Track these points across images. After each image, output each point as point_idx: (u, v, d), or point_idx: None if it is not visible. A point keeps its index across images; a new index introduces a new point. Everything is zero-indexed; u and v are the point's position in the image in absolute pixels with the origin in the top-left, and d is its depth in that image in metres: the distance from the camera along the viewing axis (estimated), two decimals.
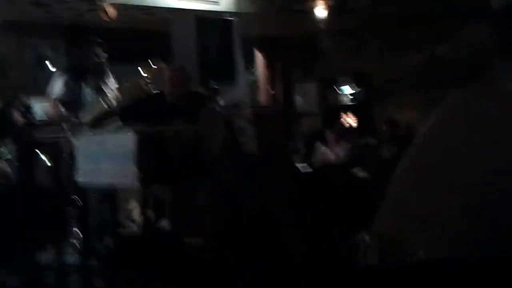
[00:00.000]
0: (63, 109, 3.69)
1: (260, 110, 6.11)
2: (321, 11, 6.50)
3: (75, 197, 3.12)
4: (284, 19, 6.63)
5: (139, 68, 3.74)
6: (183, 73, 3.68)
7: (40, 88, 4.45)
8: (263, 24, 6.60)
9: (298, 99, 7.88)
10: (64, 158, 3.27)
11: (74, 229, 3.12)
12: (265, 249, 3.65)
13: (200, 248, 2.78)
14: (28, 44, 6.05)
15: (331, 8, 6.48)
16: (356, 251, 1.08)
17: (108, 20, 5.22)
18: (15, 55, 5.88)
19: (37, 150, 3.61)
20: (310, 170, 6.18)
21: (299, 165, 6.38)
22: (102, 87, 3.93)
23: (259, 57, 7.60)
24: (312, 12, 6.47)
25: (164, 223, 3.30)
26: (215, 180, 3.10)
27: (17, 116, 4.25)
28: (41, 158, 3.51)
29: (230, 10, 6.15)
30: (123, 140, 2.83)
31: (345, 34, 7.34)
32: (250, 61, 6.87)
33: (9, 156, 3.84)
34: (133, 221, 4.01)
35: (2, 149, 3.91)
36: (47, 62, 5.73)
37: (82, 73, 3.87)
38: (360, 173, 6.00)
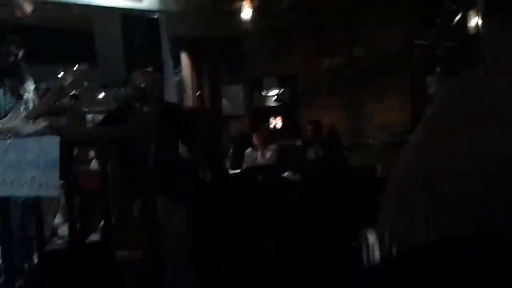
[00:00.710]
0: None
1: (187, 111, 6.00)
2: (246, 13, 6.51)
3: None
4: (210, 19, 6.57)
5: (59, 69, 3.54)
6: (158, 78, 3.43)
7: None
8: (189, 24, 6.49)
9: (224, 101, 7.86)
10: None
11: None
12: (197, 256, 3.59)
13: (134, 261, 2.66)
14: None
15: (256, 10, 6.51)
16: (361, 250, 1.08)
17: (23, 16, 4.86)
18: None
19: None
20: (237, 171, 6.19)
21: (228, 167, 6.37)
22: (19, 90, 3.66)
23: (185, 58, 7.47)
24: (238, 13, 6.46)
25: (94, 236, 3.13)
26: (146, 187, 2.98)
27: None
28: None
29: (153, 9, 5.98)
30: (47, 147, 2.63)
31: (270, 36, 7.42)
32: (176, 62, 6.74)
33: None
34: (59, 236, 3.77)
35: None
36: None
37: None
38: (287, 174, 6.10)
